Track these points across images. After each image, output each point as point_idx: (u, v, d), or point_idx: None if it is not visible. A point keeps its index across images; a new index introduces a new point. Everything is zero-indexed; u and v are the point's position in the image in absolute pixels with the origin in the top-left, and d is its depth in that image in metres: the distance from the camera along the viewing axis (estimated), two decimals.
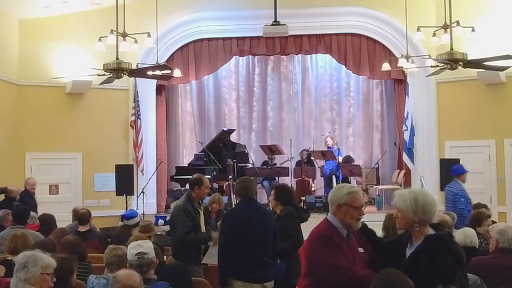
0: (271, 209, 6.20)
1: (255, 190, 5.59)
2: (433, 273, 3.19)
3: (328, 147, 13.38)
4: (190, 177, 12.27)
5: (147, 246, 4.11)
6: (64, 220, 8.90)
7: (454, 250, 3.34)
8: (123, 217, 7.39)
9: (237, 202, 5.51)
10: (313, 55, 14.22)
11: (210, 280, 5.49)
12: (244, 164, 12.83)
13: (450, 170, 10.30)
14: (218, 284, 5.20)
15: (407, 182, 12.59)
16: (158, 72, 9.73)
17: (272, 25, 10.64)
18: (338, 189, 3.61)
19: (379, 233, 6.36)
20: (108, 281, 4.23)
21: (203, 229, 6.01)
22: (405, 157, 12.27)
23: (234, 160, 12.27)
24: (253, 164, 12.95)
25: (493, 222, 6.14)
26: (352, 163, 13.30)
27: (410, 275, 3.13)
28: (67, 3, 10.74)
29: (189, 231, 5.77)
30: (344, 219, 3.54)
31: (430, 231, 3.40)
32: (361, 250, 3.64)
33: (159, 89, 12.90)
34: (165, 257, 5.56)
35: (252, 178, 6.20)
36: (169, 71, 9.91)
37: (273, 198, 5.93)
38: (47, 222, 7.28)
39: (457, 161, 10.61)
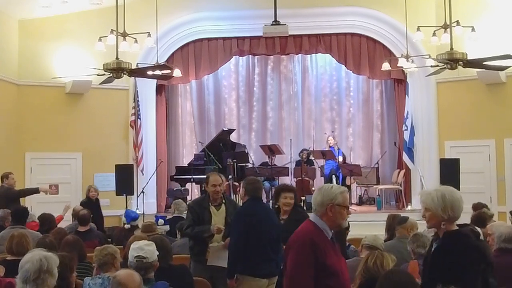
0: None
1: (262, 191, 5.79)
2: (450, 268, 3.20)
3: (330, 147, 13.38)
4: (190, 177, 12.43)
5: (147, 250, 4.08)
6: (64, 220, 8.91)
7: (474, 245, 3.33)
8: (130, 219, 7.40)
9: (245, 200, 5.59)
10: (313, 55, 14.21)
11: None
12: (244, 164, 12.83)
13: (450, 170, 10.34)
14: (226, 276, 5.34)
15: (407, 182, 12.60)
16: (158, 72, 9.74)
17: (272, 25, 10.63)
18: (328, 190, 3.54)
19: (381, 232, 6.38)
20: (104, 280, 4.23)
21: None
22: (405, 157, 12.27)
23: (234, 160, 12.27)
24: (253, 164, 12.95)
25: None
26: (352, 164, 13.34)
27: (431, 271, 3.13)
28: (67, 3, 10.78)
29: (188, 226, 5.84)
30: (335, 219, 3.50)
31: (454, 228, 3.42)
32: None
33: (159, 89, 12.90)
34: None
35: (259, 180, 6.27)
36: (169, 71, 9.90)
37: (293, 201, 5.90)
38: (47, 221, 7.29)
39: (457, 161, 10.62)
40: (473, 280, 3.23)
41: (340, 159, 13.28)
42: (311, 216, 3.58)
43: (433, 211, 3.39)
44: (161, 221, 8.47)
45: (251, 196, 5.47)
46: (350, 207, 3.63)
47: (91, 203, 9.60)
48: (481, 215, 6.33)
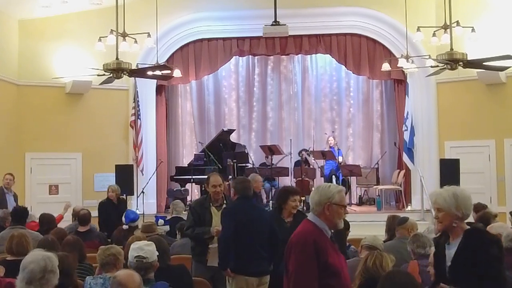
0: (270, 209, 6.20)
1: (252, 190, 5.79)
2: (479, 265, 3.22)
3: (330, 147, 13.39)
4: (190, 177, 12.43)
5: (147, 250, 4.08)
6: (64, 220, 8.91)
7: (495, 240, 3.38)
8: (129, 220, 7.37)
9: (235, 199, 5.68)
10: (313, 55, 14.20)
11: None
12: (244, 164, 12.82)
13: (450, 170, 10.34)
14: (219, 267, 5.48)
15: (407, 183, 12.60)
16: (158, 72, 9.73)
17: (272, 25, 10.63)
18: (326, 189, 3.55)
19: (381, 233, 6.38)
20: (105, 280, 4.23)
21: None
22: (405, 157, 12.27)
23: (234, 160, 12.27)
24: (253, 164, 12.94)
25: None
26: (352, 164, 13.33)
27: (458, 273, 3.16)
28: (67, 3, 10.79)
29: (189, 227, 5.90)
30: (332, 219, 3.51)
31: (467, 227, 3.43)
32: None
33: (159, 89, 12.90)
34: None
35: (249, 179, 6.28)
36: (169, 71, 9.90)
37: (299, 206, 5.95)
38: (47, 222, 7.28)
39: (457, 161, 10.62)
40: (501, 274, 3.27)
41: (340, 159, 13.28)
42: (309, 215, 3.59)
43: (446, 210, 3.40)
44: (161, 221, 8.47)
45: (241, 195, 5.56)
46: (349, 207, 3.63)
47: (110, 204, 9.30)
48: (486, 215, 6.31)
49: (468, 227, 3.44)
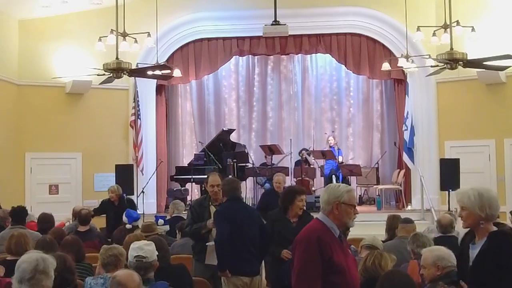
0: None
1: (241, 191, 5.84)
2: (500, 268, 3.21)
3: (330, 147, 13.39)
4: (190, 177, 12.43)
5: (147, 250, 4.07)
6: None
7: None
8: (132, 220, 7.34)
9: (225, 201, 5.70)
10: (313, 55, 14.21)
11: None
12: (244, 164, 12.83)
13: (450, 170, 10.33)
14: (217, 269, 5.53)
15: (407, 182, 12.61)
16: (158, 72, 9.73)
17: (272, 25, 10.62)
18: (335, 188, 3.58)
19: (381, 233, 6.38)
20: (105, 280, 4.22)
21: None
22: (405, 157, 12.27)
23: (234, 160, 12.27)
24: (253, 164, 12.94)
25: None
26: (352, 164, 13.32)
27: (478, 274, 3.14)
28: (67, 3, 10.80)
29: (188, 225, 5.96)
30: (341, 218, 3.52)
31: (493, 228, 3.42)
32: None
33: (159, 89, 12.90)
34: None
35: (237, 179, 6.27)
36: (169, 71, 9.91)
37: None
38: (46, 221, 7.27)
39: (457, 161, 10.62)
40: None
41: (340, 159, 13.28)
42: (319, 214, 3.62)
43: (470, 209, 3.39)
44: (161, 221, 8.45)
45: (230, 196, 5.57)
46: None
47: (110, 204, 9.04)
48: None
49: (495, 228, 3.42)
